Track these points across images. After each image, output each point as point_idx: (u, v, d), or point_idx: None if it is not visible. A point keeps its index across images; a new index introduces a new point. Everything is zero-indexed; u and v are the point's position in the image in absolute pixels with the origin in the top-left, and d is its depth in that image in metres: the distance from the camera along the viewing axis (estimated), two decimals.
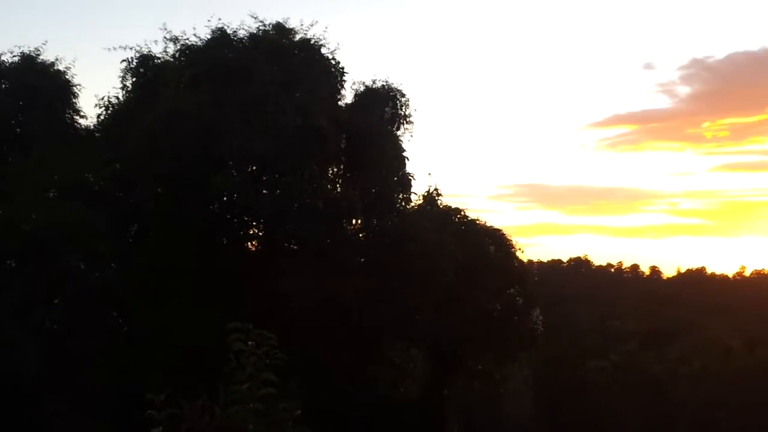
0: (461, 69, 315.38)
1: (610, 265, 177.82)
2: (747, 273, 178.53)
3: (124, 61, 30.73)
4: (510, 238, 35.11)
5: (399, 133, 32.62)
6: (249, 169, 29.80)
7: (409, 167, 32.94)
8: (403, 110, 32.38)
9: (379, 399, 31.83)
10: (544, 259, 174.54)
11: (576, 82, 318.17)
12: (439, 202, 34.68)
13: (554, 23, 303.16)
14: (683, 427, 67.07)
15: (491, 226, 34.85)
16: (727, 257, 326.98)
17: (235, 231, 31.11)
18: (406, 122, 32.53)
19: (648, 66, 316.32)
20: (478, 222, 34.88)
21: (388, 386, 32.90)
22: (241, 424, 8.25)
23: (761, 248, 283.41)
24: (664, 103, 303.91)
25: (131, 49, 30.67)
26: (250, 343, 8.28)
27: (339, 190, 31.70)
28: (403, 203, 33.06)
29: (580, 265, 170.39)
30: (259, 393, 8.19)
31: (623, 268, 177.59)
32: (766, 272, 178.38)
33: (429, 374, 35.29)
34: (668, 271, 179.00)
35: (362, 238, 32.49)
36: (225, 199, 30.01)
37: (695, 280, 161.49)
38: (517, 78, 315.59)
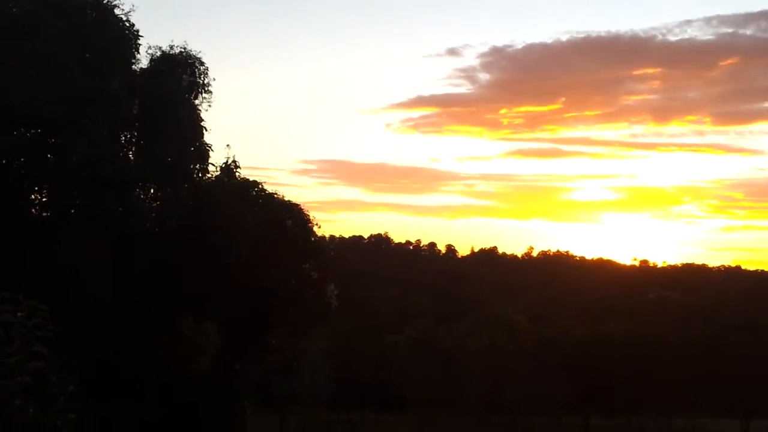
0: (265, 45, 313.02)
1: (409, 243, 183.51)
2: (534, 254, 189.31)
3: None
4: (308, 212, 35.17)
5: (197, 102, 31.75)
6: (33, 132, 28.05)
7: (209, 138, 32.18)
8: (202, 79, 31.53)
9: (170, 374, 31.10)
10: (346, 235, 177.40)
11: (383, 62, 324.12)
12: (237, 174, 34.12)
13: (365, 4, 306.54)
14: (471, 396, 70.18)
15: (289, 201, 34.76)
16: (517, 238, 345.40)
17: (18, 197, 29.21)
18: (205, 91, 31.72)
19: (451, 52, 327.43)
20: (276, 196, 34.66)
21: (180, 361, 32.18)
22: (7, 399, 7.80)
23: (548, 230, 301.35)
24: (465, 88, 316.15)
25: None
26: (19, 314, 7.88)
27: (132, 157, 30.49)
28: (200, 174, 32.27)
29: (380, 241, 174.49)
30: (27, 366, 7.80)
31: (421, 245, 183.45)
32: (551, 253, 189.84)
33: (223, 348, 34.83)
34: (463, 250, 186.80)
35: (156, 209, 31.48)
36: (5, 162, 28.08)
37: (487, 259, 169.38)
38: (324, 55, 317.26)
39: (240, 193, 32.76)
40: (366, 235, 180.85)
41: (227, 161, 33.26)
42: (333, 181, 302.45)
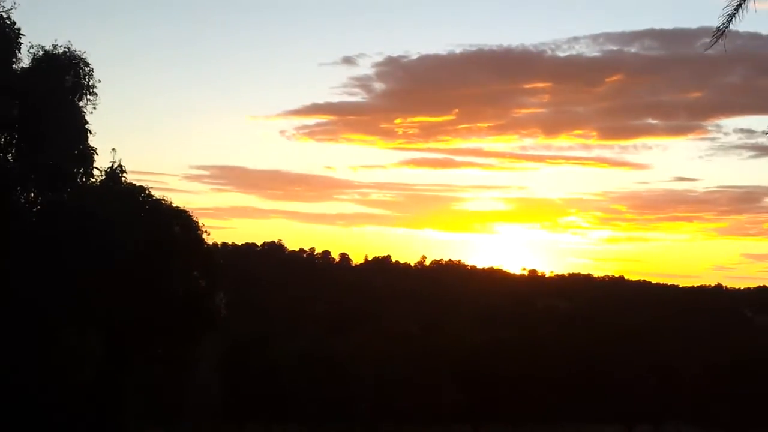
0: (159, 48, 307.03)
1: (302, 250, 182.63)
2: (427, 263, 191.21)
3: None
4: (197, 219, 34.43)
5: (81, 103, 30.64)
6: None
7: (94, 141, 31.10)
8: (87, 80, 30.40)
9: (48, 385, 29.87)
10: (239, 242, 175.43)
11: (277, 69, 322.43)
12: (124, 179, 33.11)
13: (261, 9, 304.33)
14: (363, 406, 70.18)
15: (177, 207, 33.92)
16: (411, 247, 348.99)
17: None
18: (90, 93, 30.60)
19: (347, 60, 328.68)
20: (164, 201, 33.78)
21: (60, 371, 30.97)
22: None
23: (441, 240, 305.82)
24: (361, 97, 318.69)
25: None
26: None
27: (11, 160, 29.20)
28: (84, 178, 31.16)
29: (274, 249, 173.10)
30: None
31: (315, 253, 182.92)
32: (444, 262, 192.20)
33: (107, 358, 33.72)
34: (357, 258, 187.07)
35: (36, 213, 30.24)
36: None
37: (381, 267, 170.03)
38: (218, 61, 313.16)
39: (126, 199, 31.77)
40: (259, 243, 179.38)
41: (112, 165, 32.22)
42: (226, 188, 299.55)
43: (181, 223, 33.63)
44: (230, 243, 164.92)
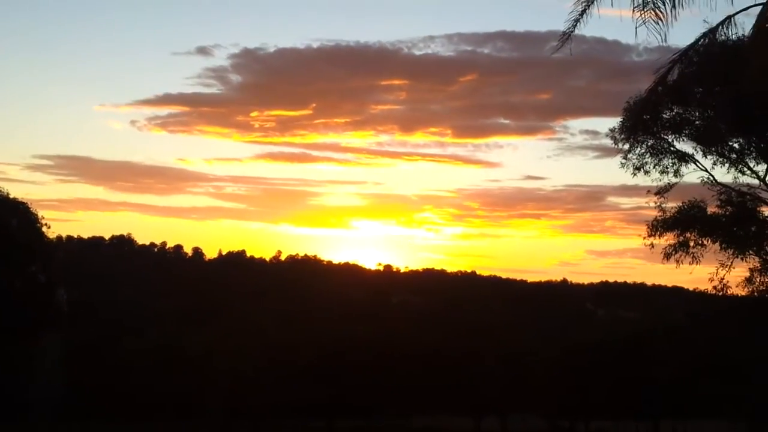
0: None
1: (153, 245, 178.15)
2: (283, 257, 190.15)
3: None
4: (36, 211, 32.75)
5: None
6: None
7: None
8: None
9: None
10: (85, 236, 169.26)
11: (128, 57, 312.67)
12: None
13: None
14: (216, 403, 68.95)
15: (15, 198, 32.17)
16: (266, 242, 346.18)
17: None
18: None
19: (202, 51, 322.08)
20: None
21: None
22: None
23: (297, 235, 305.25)
24: (216, 88, 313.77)
25: None
26: None
27: None
28: None
29: (123, 243, 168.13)
30: None
31: (167, 247, 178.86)
32: (299, 257, 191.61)
33: None
34: (210, 253, 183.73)
35: None
36: None
37: (235, 262, 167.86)
38: (63, 46, 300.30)
39: None
40: (108, 236, 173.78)
41: None
42: (72, 179, 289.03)
43: (19, 215, 31.92)
44: (76, 236, 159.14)
